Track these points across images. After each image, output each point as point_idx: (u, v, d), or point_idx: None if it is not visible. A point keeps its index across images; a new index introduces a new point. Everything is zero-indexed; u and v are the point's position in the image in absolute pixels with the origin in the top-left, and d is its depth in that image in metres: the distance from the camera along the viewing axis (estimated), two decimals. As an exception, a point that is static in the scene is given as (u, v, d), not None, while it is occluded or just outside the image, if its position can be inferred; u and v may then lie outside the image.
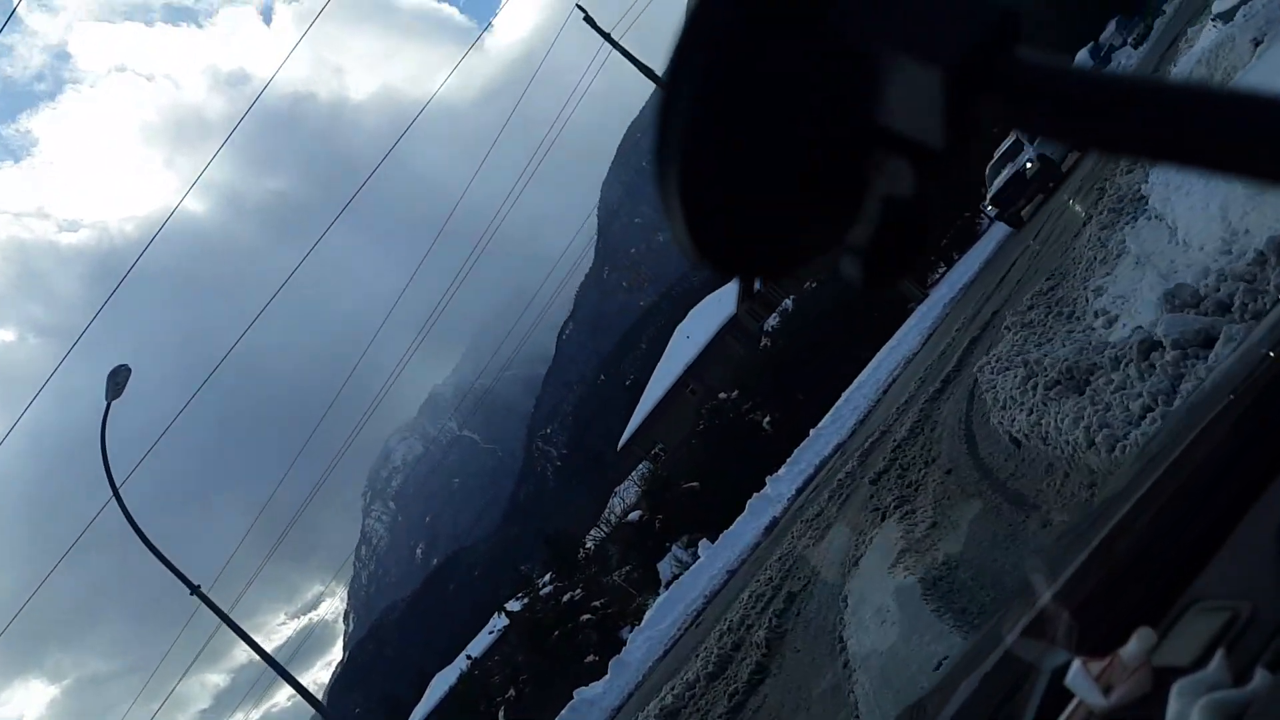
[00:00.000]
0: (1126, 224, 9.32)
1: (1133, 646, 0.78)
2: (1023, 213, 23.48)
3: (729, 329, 45.17)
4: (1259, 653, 0.70)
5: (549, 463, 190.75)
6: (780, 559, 12.25)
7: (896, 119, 0.44)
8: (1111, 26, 51.09)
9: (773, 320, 35.85)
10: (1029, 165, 22.82)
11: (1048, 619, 0.94)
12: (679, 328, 52.32)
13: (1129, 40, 46.82)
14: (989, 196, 23.90)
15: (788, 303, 35.95)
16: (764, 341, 33.42)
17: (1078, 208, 15.43)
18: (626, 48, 28.58)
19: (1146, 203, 8.88)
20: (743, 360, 35.58)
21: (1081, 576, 0.99)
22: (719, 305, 47.78)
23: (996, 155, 24.84)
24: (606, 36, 30.36)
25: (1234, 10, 12.05)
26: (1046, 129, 0.43)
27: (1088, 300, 8.51)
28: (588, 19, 29.93)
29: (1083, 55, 50.05)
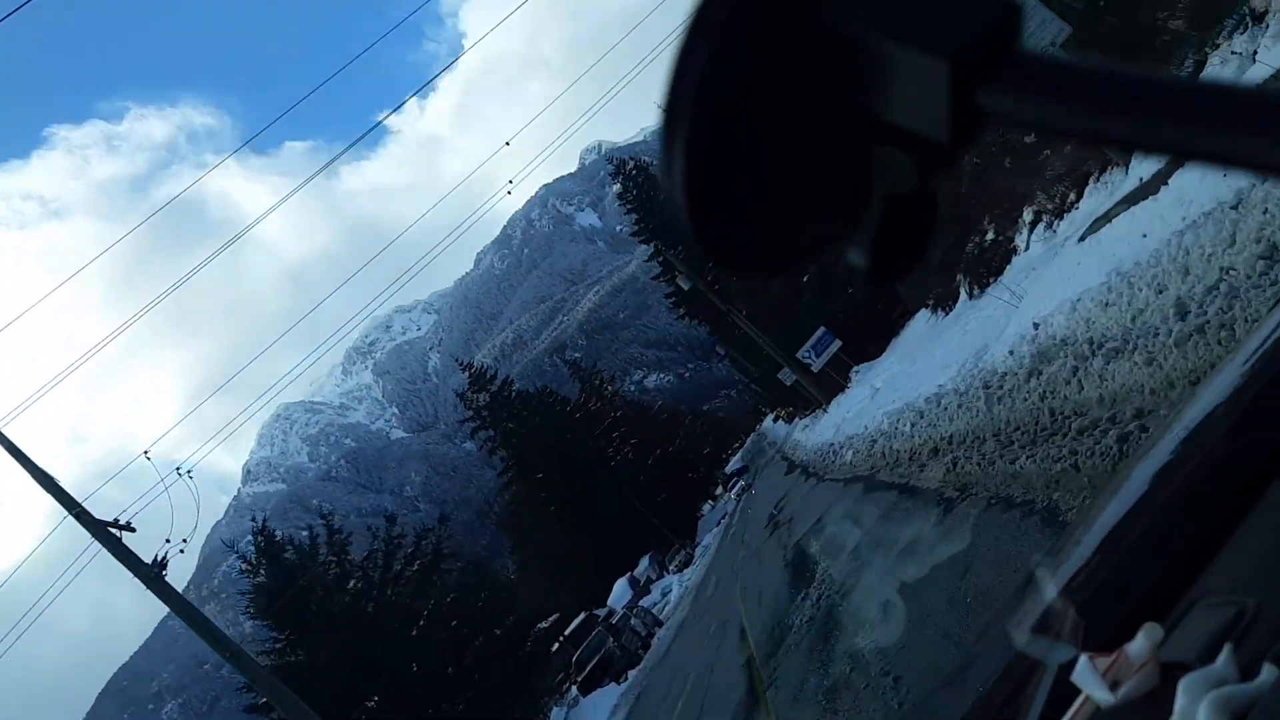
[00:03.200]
0: None
1: (1139, 642, 0.77)
2: None
3: None
4: (1266, 648, 0.69)
5: None
6: None
7: (899, 112, 0.43)
8: (645, 561, 50.00)
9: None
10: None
11: (1054, 614, 0.92)
12: None
13: (669, 568, 45.27)
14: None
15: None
16: None
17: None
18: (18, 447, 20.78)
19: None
20: None
21: (1087, 572, 0.99)
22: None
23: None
24: (8, 444, 22.66)
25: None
26: (1052, 122, 0.41)
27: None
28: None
29: (621, 586, 47.55)
